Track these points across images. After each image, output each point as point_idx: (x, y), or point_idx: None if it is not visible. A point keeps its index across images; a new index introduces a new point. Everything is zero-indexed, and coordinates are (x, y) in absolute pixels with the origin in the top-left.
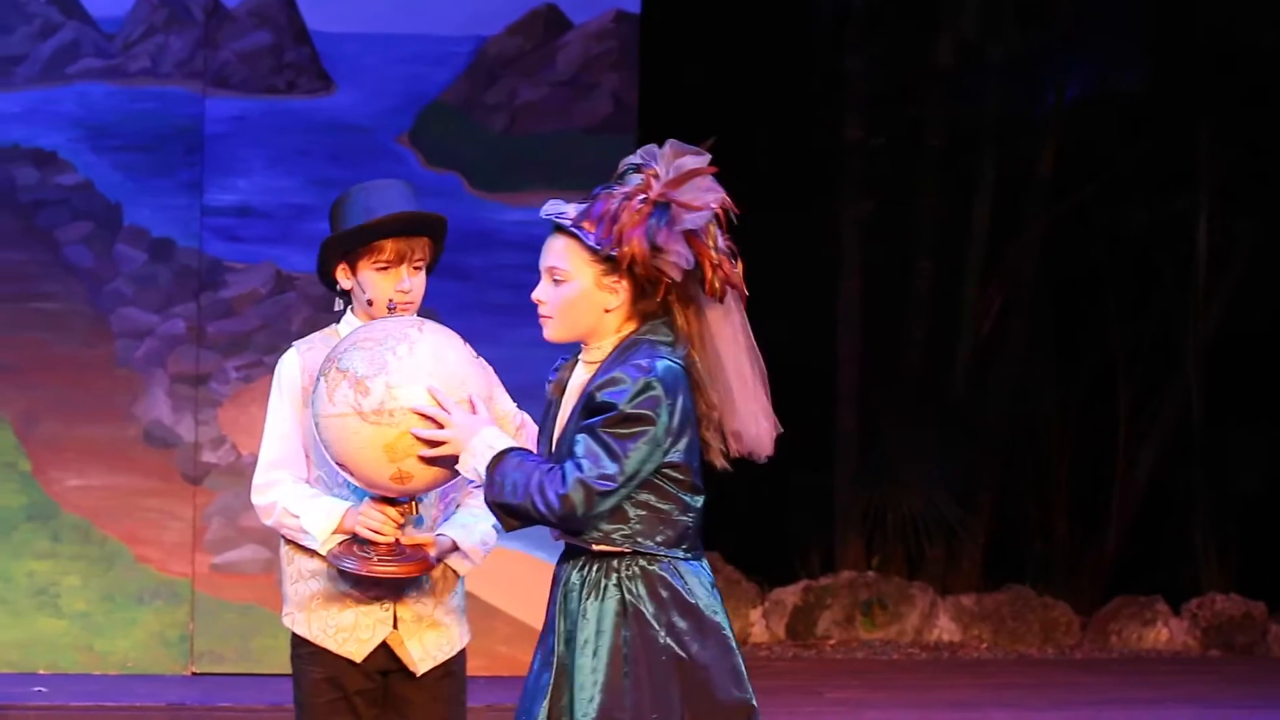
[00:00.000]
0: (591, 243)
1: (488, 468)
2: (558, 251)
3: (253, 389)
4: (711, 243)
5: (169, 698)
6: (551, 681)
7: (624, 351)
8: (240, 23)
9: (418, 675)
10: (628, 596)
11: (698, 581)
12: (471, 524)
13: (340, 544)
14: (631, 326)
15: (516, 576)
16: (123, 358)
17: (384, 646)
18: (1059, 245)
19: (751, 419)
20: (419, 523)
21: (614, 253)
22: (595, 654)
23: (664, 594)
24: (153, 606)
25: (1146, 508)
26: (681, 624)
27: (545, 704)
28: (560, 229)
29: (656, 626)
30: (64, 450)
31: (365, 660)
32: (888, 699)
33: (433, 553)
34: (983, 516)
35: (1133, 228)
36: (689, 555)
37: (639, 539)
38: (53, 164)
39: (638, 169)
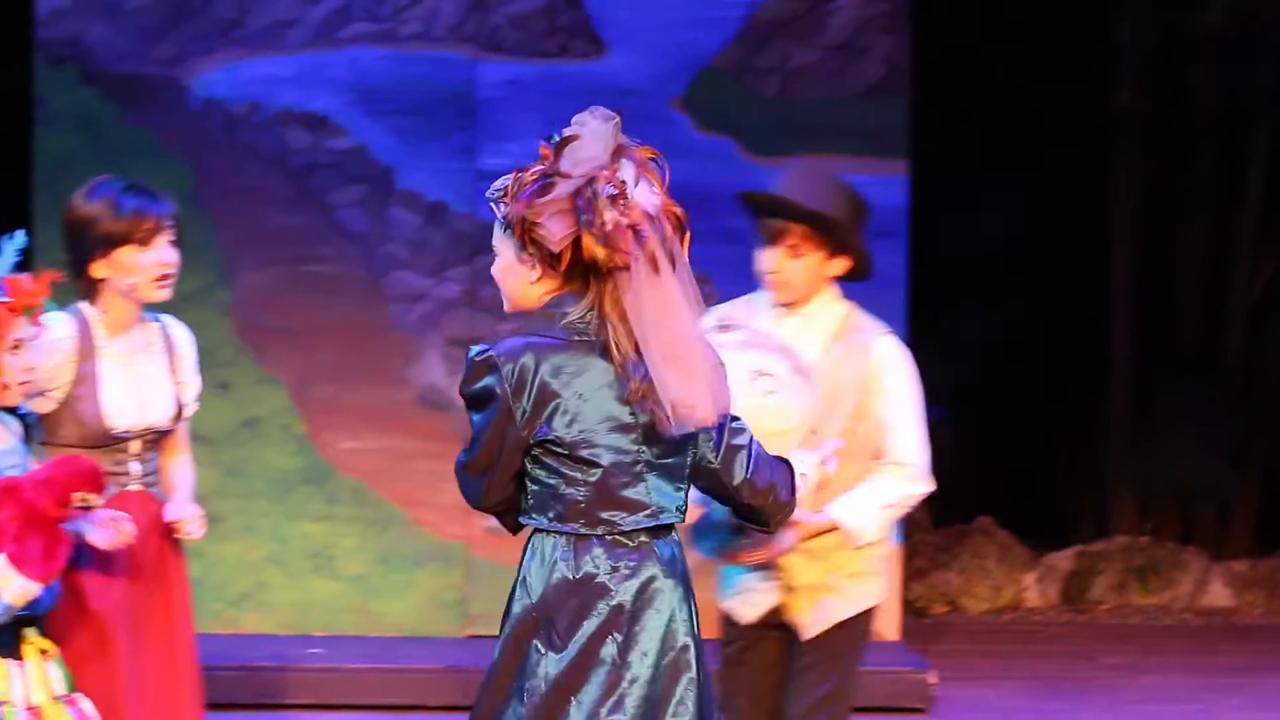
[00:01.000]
0: (500, 214)
1: None
2: (495, 227)
3: None
4: (591, 212)
5: (444, 660)
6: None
7: (517, 330)
8: None
9: (807, 638)
10: (522, 568)
11: (589, 557)
12: (858, 503)
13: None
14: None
15: None
16: (397, 321)
17: (776, 610)
18: None
19: (686, 392)
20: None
21: (508, 227)
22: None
23: (546, 567)
24: (428, 569)
25: None
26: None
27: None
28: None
29: (529, 597)
30: (338, 413)
31: (759, 621)
32: (1160, 664)
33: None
34: (1256, 481)
35: None
36: (588, 530)
37: (533, 514)
38: (325, 128)
39: (547, 140)
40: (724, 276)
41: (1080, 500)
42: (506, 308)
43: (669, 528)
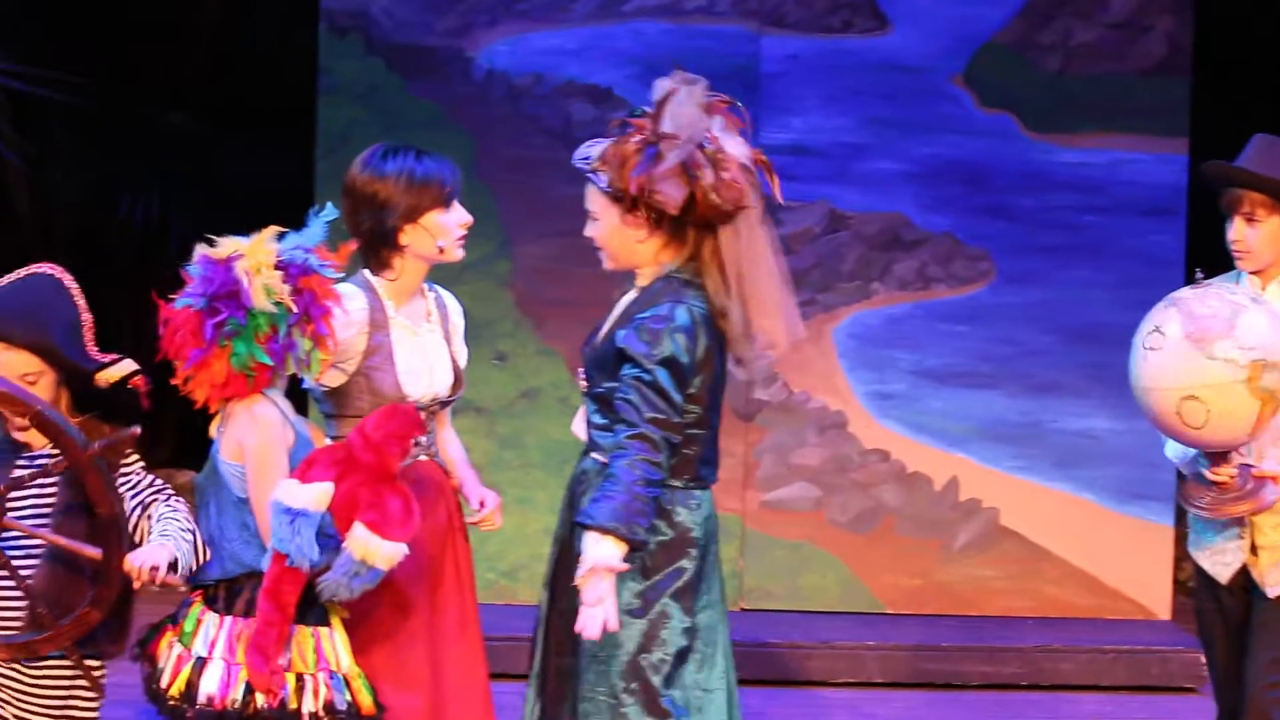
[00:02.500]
0: (603, 185)
1: None
2: (589, 195)
3: (805, 327)
4: (702, 171)
5: None
6: None
7: (654, 296)
8: None
9: (1270, 597)
10: None
11: (685, 510)
12: None
13: (1189, 487)
14: (669, 254)
15: (1066, 517)
16: None
17: (1244, 569)
18: None
19: (773, 326)
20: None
21: (619, 194)
22: None
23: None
24: None
25: None
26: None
27: None
28: (584, 175)
29: None
30: None
31: (1229, 581)
32: None
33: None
34: None
35: None
36: (686, 484)
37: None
38: (609, 100)
39: (640, 112)
40: (1000, 252)
41: None
42: (610, 266)
43: None
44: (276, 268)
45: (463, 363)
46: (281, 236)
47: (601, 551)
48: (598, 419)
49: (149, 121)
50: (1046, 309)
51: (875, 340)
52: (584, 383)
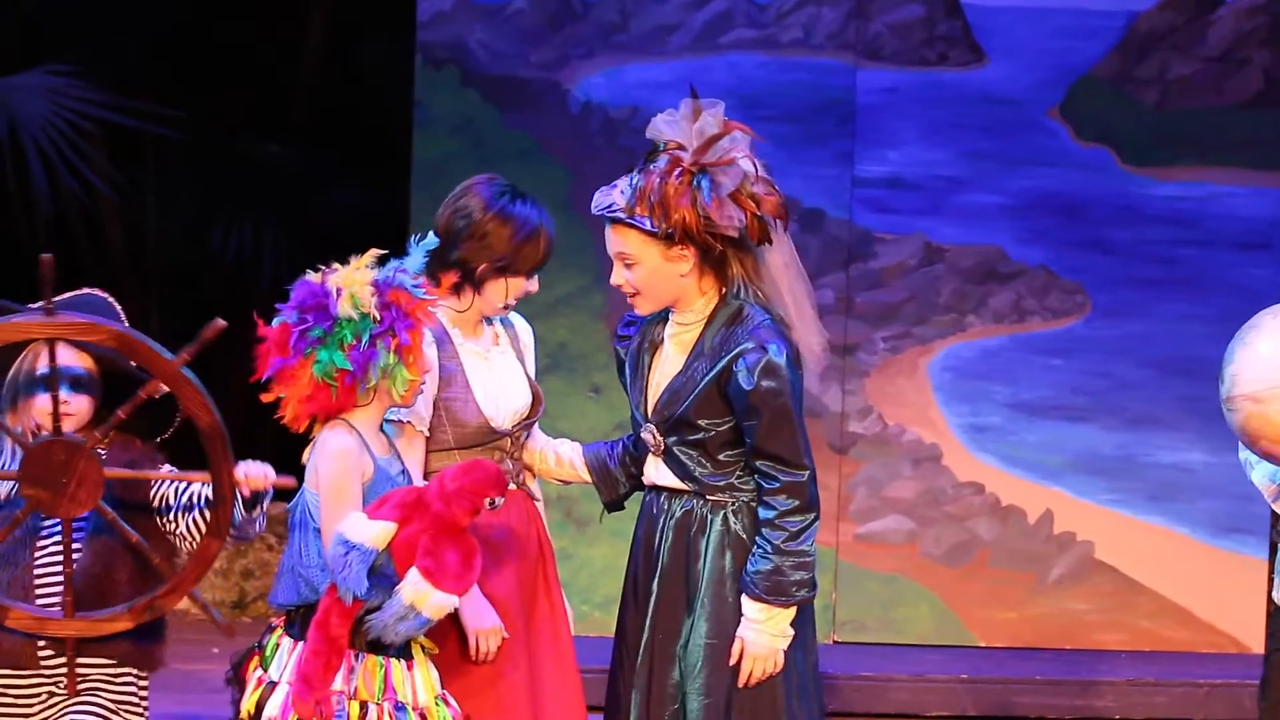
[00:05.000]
0: (648, 226)
1: None
2: (620, 241)
3: (899, 360)
4: (748, 191)
5: None
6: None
7: (728, 327)
8: None
9: None
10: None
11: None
12: None
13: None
14: (710, 282)
15: (1160, 550)
16: None
17: None
18: None
19: (809, 332)
20: None
21: (670, 230)
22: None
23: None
24: None
25: None
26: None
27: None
28: (616, 221)
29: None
30: None
31: None
32: None
33: None
34: None
35: None
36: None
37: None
38: None
39: (664, 146)
40: (1095, 285)
41: None
42: (648, 309)
43: None
44: (369, 284)
45: (534, 379)
46: (382, 261)
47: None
48: (701, 469)
49: (243, 154)
50: (1141, 342)
51: (970, 373)
52: (656, 438)
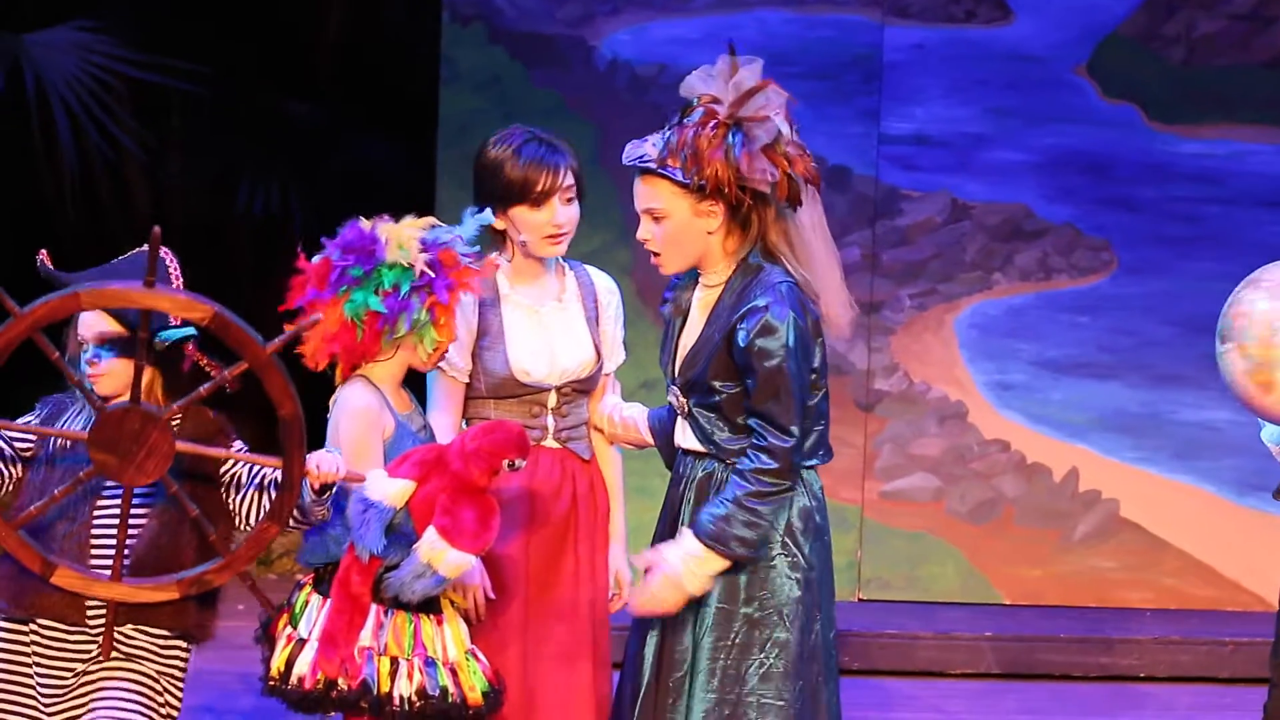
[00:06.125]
0: (679, 177)
1: None
2: (650, 193)
3: (925, 317)
4: (782, 150)
5: (837, 624)
6: None
7: (745, 289)
8: None
9: None
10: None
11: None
12: None
13: None
14: (735, 242)
15: (1185, 509)
16: None
17: None
18: None
19: (834, 301)
20: None
21: (702, 182)
22: None
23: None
24: None
25: None
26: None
27: None
28: (646, 172)
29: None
30: None
31: None
32: None
33: None
34: None
35: None
36: (822, 459)
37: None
38: None
39: (698, 101)
40: (1121, 243)
41: None
42: (676, 268)
43: None
44: (419, 239)
45: (612, 344)
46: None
47: None
48: (720, 432)
49: (269, 111)
50: (1167, 299)
51: (996, 330)
52: (680, 399)
